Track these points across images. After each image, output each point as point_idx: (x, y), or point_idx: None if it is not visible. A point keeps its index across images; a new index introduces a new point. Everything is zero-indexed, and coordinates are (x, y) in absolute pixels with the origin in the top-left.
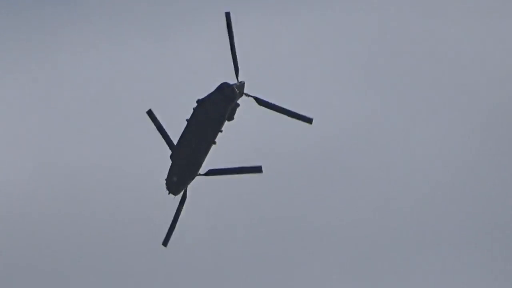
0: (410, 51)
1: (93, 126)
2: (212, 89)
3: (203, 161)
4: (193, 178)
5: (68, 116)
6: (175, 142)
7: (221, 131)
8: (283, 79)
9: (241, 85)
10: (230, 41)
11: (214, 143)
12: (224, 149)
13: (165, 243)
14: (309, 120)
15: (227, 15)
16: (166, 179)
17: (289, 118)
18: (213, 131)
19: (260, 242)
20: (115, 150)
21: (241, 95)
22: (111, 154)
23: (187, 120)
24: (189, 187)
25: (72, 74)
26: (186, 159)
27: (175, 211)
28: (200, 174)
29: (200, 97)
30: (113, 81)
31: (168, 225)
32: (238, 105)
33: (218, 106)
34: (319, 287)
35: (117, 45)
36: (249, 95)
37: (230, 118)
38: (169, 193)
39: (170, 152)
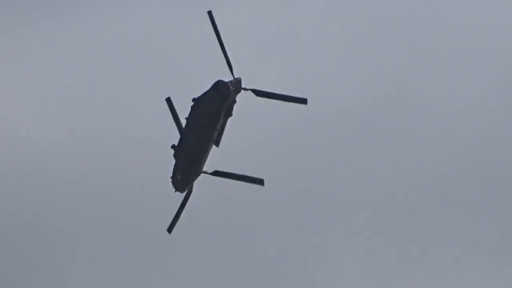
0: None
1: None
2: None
3: (204, 158)
4: (197, 176)
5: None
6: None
7: (218, 129)
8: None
9: (237, 82)
10: (218, 40)
11: (213, 141)
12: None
13: (169, 230)
14: (304, 101)
15: (210, 14)
16: (171, 177)
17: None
18: (211, 129)
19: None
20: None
21: (237, 92)
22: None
23: (186, 118)
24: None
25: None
26: (188, 158)
27: (181, 201)
28: (206, 172)
29: (196, 96)
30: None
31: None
32: (235, 101)
33: (213, 104)
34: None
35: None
36: (246, 89)
37: (228, 114)
38: (175, 191)
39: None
